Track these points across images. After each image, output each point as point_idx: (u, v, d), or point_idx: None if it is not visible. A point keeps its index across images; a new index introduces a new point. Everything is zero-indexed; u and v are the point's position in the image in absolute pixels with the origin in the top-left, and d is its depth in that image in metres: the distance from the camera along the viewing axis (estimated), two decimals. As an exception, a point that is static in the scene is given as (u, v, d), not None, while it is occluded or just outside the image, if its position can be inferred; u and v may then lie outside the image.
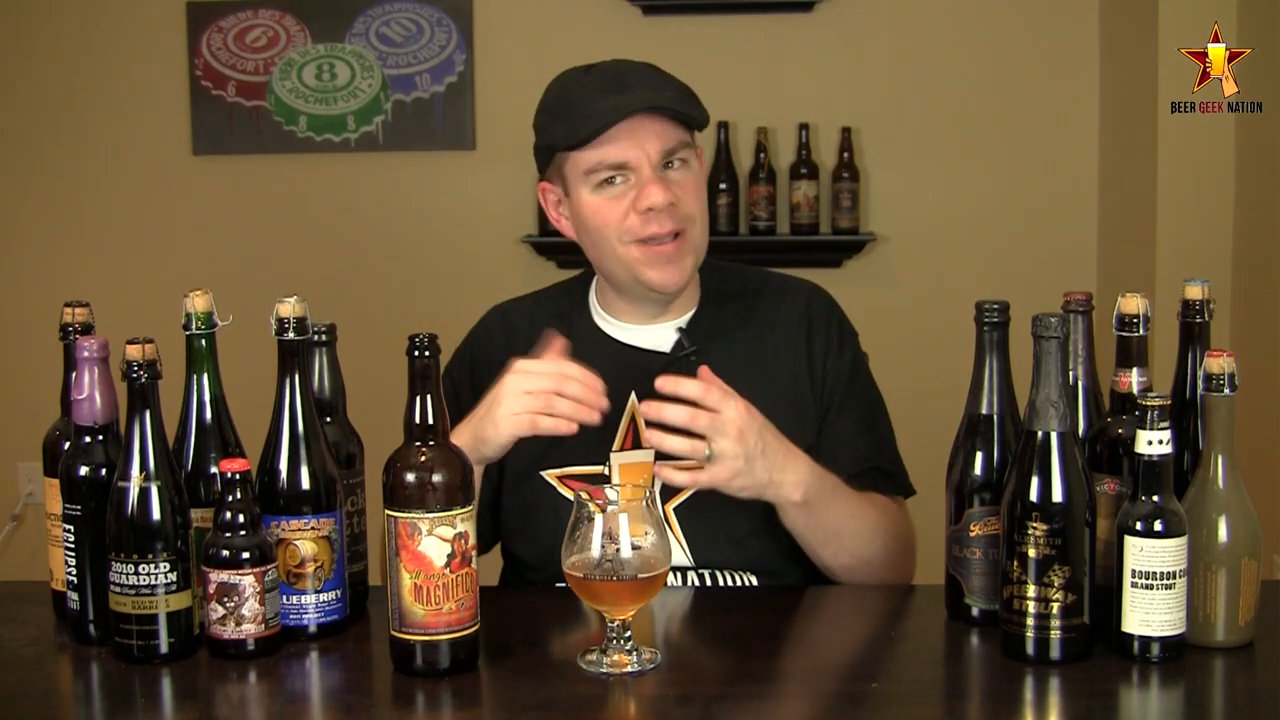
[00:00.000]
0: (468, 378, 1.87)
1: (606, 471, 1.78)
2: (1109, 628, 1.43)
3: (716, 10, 3.89)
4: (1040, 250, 3.87)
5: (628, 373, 1.79)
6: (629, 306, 1.85)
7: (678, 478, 1.62)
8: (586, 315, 1.88)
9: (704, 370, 1.63)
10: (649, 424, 1.62)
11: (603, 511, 1.41)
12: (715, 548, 1.77)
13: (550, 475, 1.80)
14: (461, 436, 1.64)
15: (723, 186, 3.84)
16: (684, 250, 1.76)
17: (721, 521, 1.76)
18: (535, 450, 1.78)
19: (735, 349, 1.83)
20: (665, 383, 1.59)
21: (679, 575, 1.77)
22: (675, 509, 1.77)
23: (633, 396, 1.78)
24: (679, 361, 1.81)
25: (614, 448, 1.79)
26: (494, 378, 1.70)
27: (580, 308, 1.89)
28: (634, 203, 1.74)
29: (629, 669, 1.41)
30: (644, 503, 1.42)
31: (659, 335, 1.84)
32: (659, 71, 1.80)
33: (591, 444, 1.78)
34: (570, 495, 1.73)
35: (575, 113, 1.74)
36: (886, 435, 1.88)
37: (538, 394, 1.61)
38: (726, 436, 1.57)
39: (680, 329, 1.84)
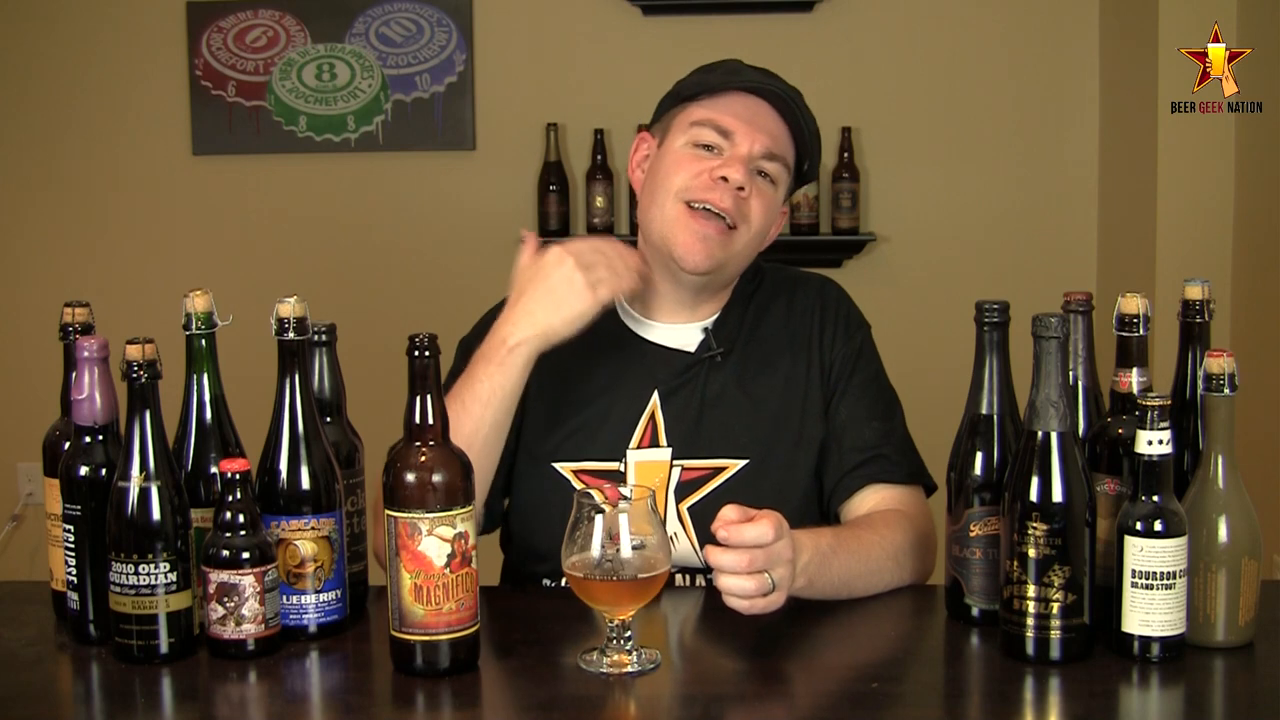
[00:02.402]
0: None
1: (622, 469, 1.77)
2: (1109, 628, 1.43)
3: (716, 10, 3.89)
4: (1040, 250, 3.87)
5: (652, 370, 1.80)
6: (655, 301, 1.85)
7: (744, 606, 1.49)
8: (613, 309, 1.84)
9: (724, 514, 1.50)
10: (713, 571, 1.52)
11: (608, 508, 1.41)
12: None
13: (564, 468, 1.79)
14: (517, 323, 1.69)
15: (723, 186, 3.84)
16: (723, 242, 1.77)
17: None
18: (551, 439, 1.78)
19: (756, 350, 1.84)
20: (730, 534, 1.47)
21: (689, 577, 1.76)
22: (689, 508, 1.76)
23: (655, 395, 1.79)
24: (703, 361, 1.81)
25: (631, 445, 1.78)
26: None
27: None
28: (712, 170, 1.77)
29: (629, 669, 1.41)
30: (647, 503, 1.42)
31: (685, 335, 1.84)
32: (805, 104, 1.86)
33: (608, 440, 1.78)
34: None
35: (723, 68, 1.84)
36: (896, 425, 1.85)
37: (605, 259, 1.70)
38: (783, 562, 1.49)
39: (706, 329, 1.84)
